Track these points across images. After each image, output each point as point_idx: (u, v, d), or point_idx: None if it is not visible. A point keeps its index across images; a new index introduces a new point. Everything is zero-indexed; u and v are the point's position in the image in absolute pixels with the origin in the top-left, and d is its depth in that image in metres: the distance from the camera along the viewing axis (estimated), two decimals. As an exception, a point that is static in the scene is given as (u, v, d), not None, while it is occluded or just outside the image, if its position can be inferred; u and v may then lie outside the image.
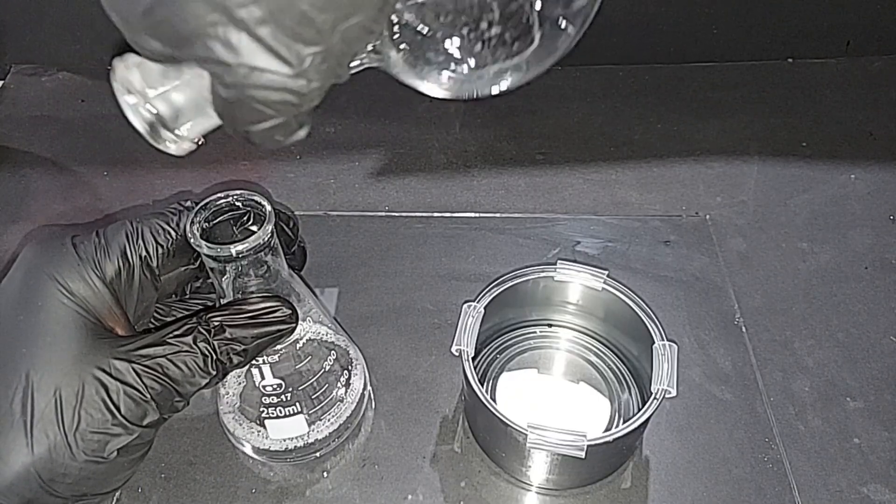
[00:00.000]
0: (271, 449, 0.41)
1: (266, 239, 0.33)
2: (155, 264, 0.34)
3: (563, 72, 0.73)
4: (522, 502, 0.42)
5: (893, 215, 0.58)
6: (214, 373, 0.31)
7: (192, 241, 0.32)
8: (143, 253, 0.34)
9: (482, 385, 0.40)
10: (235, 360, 0.32)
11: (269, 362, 0.38)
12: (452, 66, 0.24)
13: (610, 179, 0.62)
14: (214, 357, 0.31)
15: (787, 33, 0.72)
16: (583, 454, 0.37)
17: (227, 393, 0.42)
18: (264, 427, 0.41)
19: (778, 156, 0.64)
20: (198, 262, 0.37)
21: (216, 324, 0.32)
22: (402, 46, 0.24)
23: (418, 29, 0.24)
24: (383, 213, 0.59)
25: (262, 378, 0.38)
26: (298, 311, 0.35)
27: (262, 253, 0.33)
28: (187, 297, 0.39)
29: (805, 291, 0.53)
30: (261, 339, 0.33)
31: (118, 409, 0.29)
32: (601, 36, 0.73)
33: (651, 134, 0.67)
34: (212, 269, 0.34)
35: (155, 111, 0.25)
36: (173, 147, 0.26)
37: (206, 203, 0.34)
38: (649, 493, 0.42)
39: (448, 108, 0.69)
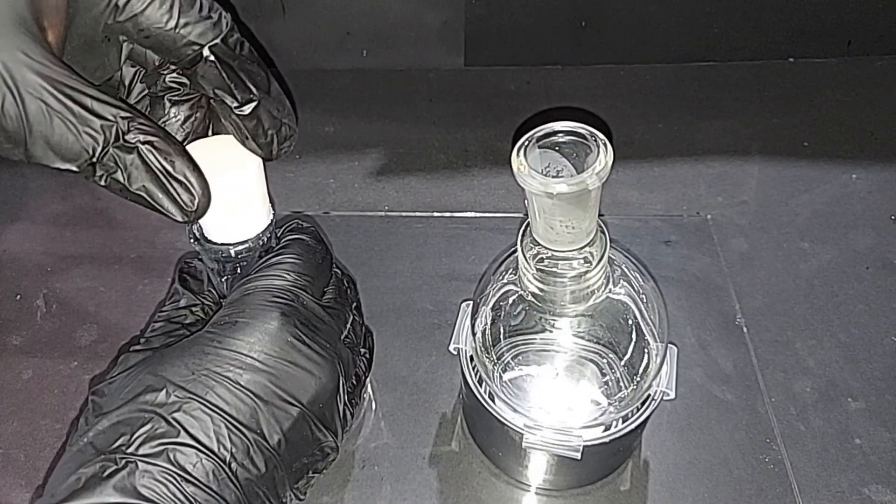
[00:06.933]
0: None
1: (265, 240, 0.33)
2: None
3: (563, 72, 0.73)
4: (521, 502, 0.42)
5: (895, 215, 0.58)
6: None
7: (191, 241, 0.32)
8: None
9: (480, 385, 0.40)
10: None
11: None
12: None
13: (610, 179, 0.61)
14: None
15: (788, 33, 0.72)
16: (578, 455, 0.36)
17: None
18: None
19: (779, 155, 0.64)
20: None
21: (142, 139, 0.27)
22: None
23: None
24: (383, 213, 0.59)
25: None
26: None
27: (262, 254, 0.33)
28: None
29: (806, 291, 0.53)
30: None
31: None
32: (602, 36, 0.74)
33: (651, 134, 0.66)
34: (211, 268, 0.34)
35: None
36: None
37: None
38: (649, 494, 0.42)
39: (448, 107, 0.69)
